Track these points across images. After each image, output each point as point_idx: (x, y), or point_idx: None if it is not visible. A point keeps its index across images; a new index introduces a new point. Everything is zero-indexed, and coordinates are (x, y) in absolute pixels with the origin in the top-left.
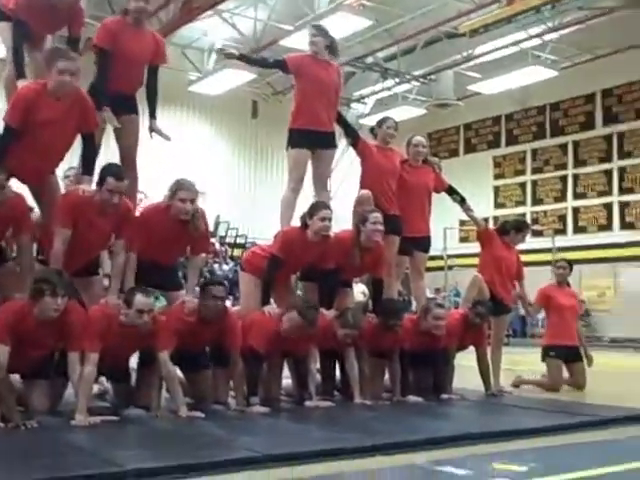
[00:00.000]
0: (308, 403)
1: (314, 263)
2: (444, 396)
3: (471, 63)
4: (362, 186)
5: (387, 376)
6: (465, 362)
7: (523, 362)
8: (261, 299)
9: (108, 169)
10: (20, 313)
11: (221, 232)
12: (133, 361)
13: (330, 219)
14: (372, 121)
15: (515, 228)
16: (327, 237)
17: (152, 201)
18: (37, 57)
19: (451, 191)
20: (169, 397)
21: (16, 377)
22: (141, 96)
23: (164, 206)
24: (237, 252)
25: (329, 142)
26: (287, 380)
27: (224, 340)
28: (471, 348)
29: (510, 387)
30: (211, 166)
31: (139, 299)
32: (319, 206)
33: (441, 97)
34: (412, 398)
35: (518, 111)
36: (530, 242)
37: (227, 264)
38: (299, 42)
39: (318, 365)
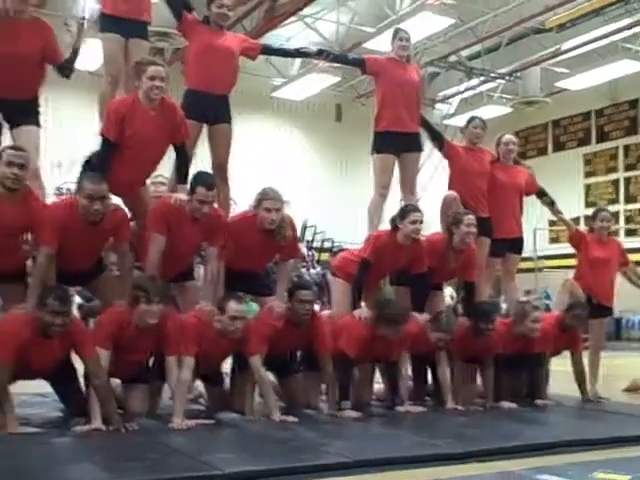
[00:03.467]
0: (400, 408)
1: (405, 267)
2: (539, 402)
3: (558, 59)
4: (450, 188)
5: (480, 381)
6: (559, 367)
7: (624, 367)
8: (352, 303)
9: (199, 178)
10: (120, 319)
11: (308, 236)
12: (226, 366)
13: (421, 222)
14: (457, 121)
15: (592, 217)
16: (418, 240)
17: (242, 208)
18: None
19: (541, 194)
20: (262, 401)
21: (116, 381)
22: (233, 102)
23: (251, 215)
24: (324, 256)
25: (414, 144)
26: (379, 385)
27: (314, 344)
28: (565, 353)
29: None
30: (297, 171)
31: (232, 306)
32: (409, 209)
33: (528, 94)
34: (506, 404)
35: (608, 106)
36: (624, 241)
37: (314, 268)
38: (382, 44)
39: (410, 370)
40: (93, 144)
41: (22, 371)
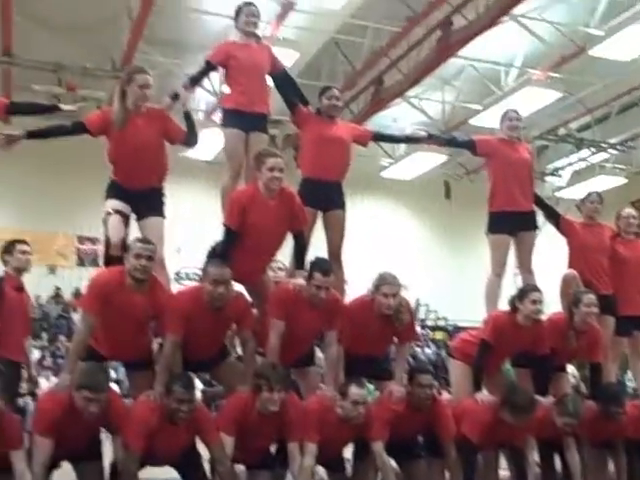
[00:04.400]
0: None
1: (526, 348)
2: None
3: None
4: (570, 265)
5: (612, 467)
6: None
7: None
8: (472, 386)
9: (316, 265)
10: (244, 406)
11: (421, 315)
12: (348, 451)
13: (541, 302)
14: (570, 194)
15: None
16: (539, 321)
17: (354, 289)
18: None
19: None
20: None
21: (240, 467)
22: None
23: (368, 300)
24: (438, 335)
25: (530, 223)
26: (504, 472)
27: (436, 429)
28: None
29: None
30: (407, 249)
31: (354, 391)
32: (528, 289)
33: None
34: None
35: None
36: None
37: (429, 347)
38: (489, 121)
39: (537, 456)
40: (211, 230)
41: (149, 457)
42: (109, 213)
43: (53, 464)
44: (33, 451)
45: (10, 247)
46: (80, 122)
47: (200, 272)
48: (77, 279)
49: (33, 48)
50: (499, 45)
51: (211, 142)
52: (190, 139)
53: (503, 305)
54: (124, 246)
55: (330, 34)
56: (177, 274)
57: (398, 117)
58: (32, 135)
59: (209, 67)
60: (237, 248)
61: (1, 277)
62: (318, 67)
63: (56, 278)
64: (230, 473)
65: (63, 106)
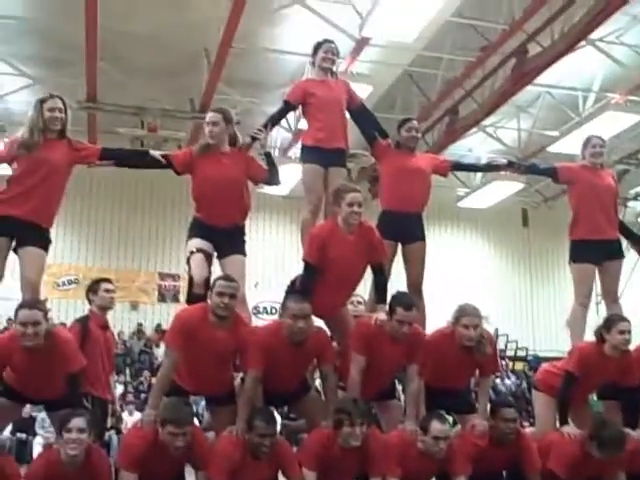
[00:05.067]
0: None
1: (614, 379)
2: None
3: None
4: None
5: None
6: None
7: None
8: (559, 419)
9: (397, 299)
10: (325, 441)
11: (500, 346)
12: None
13: (630, 331)
14: None
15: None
16: (627, 351)
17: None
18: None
19: None
20: None
21: None
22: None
23: (449, 332)
24: (518, 365)
25: (616, 251)
26: None
27: (521, 463)
28: None
29: None
30: (485, 278)
31: (435, 426)
32: (615, 318)
33: None
34: None
35: None
36: None
37: (509, 378)
38: (567, 147)
39: None
40: (288, 264)
41: None
42: (192, 252)
43: None
44: None
45: (95, 286)
46: (166, 156)
47: (278, 306)
48: (158, 315)
49: (116, 92)
50: (576, 70)
51: (287, 177)
52: (272, 178)
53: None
54: (207, 284)
55: (403, 67)
56: (255, 308)
57: (473, 147)
58: (110, 157)
59: (288, 107)
60: (317, 283)
61: (86, 316)
62: (392, 100)
63: (138, 314)
64: None
65: (153, 153)
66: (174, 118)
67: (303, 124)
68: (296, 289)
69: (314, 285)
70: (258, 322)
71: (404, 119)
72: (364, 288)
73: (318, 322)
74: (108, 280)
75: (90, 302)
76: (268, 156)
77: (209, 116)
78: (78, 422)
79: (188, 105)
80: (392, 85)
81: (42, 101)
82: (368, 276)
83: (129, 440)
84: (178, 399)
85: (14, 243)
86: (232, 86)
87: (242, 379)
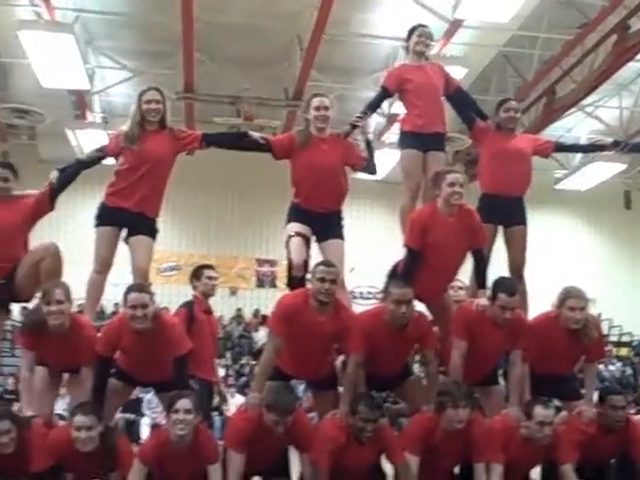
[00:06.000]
0: None
1: None
2: None
3: None
4: None
5: None
6: None
7: None
8: None
9: (501, 285)
10: (428, 425)
11: (604, 330)
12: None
13: None
14: None
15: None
16: None
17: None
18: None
19: None
20: None
21: None
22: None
23: (554, 315)
24: (623, 351)
25: None
26: None
27: (630, 452)
28: None
29: None
30: (586, 263)
31: (539, 411)
32: None
33: None
34: None
35: None
36: None
37: (613, 364)
38: None
39: None
40: (383, 249)
41: (336, 475)
42: (291, 235)
43: (245, 479)
44: (227, 466)
45: (198, 272)
46: (267, 140)
47: (374, 291)
48: (257, 300)
49: (212, 82)
50: None
51: (382, 162)
52: (370, 167)
53: None
54: (306, 267)
55: (498, 47)
56: (350, 293)
57: (572, 127)
58: (211, 141)
59: (385, 93)
60: (419, 267)
61: (191, 301)
62: (487, 82)
63: (237, 299)
64: None
65: (252, 133)
66: (269, 106)
67: (397, 109)
68: (398, 274)
69: (416, 270)
70: (354, 308)
71: (503, 100)
72: (465, 274)
73: (420, 307)
74: (211, 267)
75: (194, 288)
76: (368, 144)
77: (319, 100)
78: (185, 403)
79: (282, 93)
80: (487, 67)
81: (141, 94)
82: (469, 262)
83: (236, 422)
84: (282, 385)
85: (124, 233)
86: (325, 73)
87: (344, 363)
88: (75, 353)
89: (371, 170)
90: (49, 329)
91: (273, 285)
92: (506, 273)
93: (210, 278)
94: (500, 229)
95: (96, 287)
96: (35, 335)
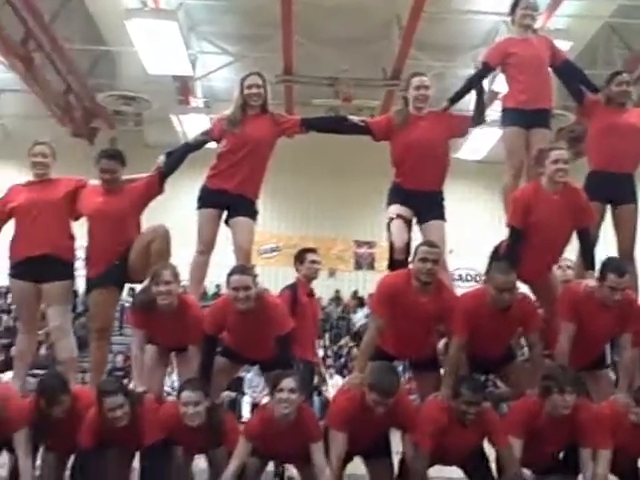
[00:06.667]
0: None
1: None
2: None
3: None
4: None
5: None
6: None
7: None
8: None
9: (610, 265)
10: (532, 409)
11: None
12: None
13: None
14: None
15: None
16: None
17: None
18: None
19: None
20: None
21: (527, 472)
22: None
23: None
24: None
25: None
26: None
27: None
28: None
29: None
30: None
31: None
32: None
33: None
34: None
35: None
36: None
37: None
38: None
39: None
40: (481, 230)
41: (438, 457)
42: (392, 218)
43: (346, 458)
44: (330, 444)
45: (302, 256)
46: (366, 123)
47: (473, 273)
48: (355, 282)
49: (310, 64)
50: None
51: (481, 142)
52: (479, 118)
53: None
54: (408, 250)
55: (604, 19)
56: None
57: None
58: (310, 125)
59: (486, 69)
60: (523, 246)
61: (294, 284)
62: (593, 54)
63: (335, 281)
64: (518, 476)
65: (352, 117)
66: (367, 87)
67: (498, 86)
68: (501, 255)
69: (520, 250)
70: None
71: (614, 72)
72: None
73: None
74: (314, 251)
75: (297, 271)
76: (480, 93)
77: (419, 80)
78: (289, 382)
79: (380, 73)
80: (592, 39)
81: (243, 79)
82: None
83: (338, 402)
84: (385, 365)
85: (224, 215)
86: (424, 51)
87: (446, 345)
88: (183, 332)
89: (480, 120)
90: (158, 309)
91: (371, 267)
92: (614, 254)
93: (313, 262)
94: (608, 208)
95: (200, 268)
96: (145, 315)
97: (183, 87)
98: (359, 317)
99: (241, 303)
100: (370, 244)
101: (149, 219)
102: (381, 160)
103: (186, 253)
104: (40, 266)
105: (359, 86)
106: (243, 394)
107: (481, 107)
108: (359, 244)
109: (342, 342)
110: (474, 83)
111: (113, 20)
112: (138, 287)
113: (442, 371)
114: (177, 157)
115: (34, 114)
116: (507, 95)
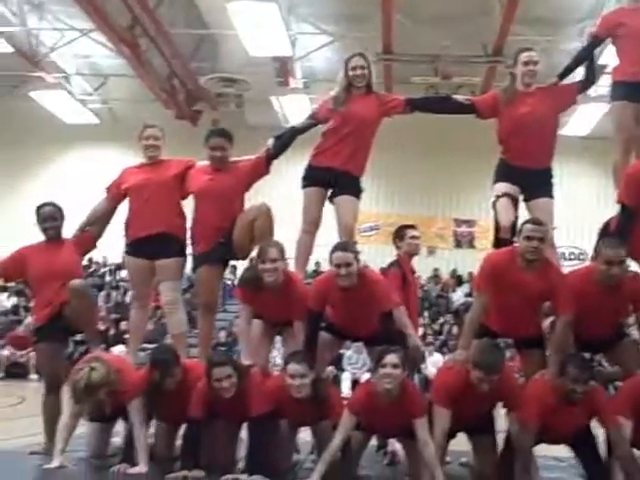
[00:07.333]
0: None
1: None
2: None
3: None
4: None
5: None
6: None
7: None
8: None
9: None
10: None
11: None
12: None
13: None
14: None
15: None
16: None
17: None
18: None
19: None
20: None
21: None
22: None
23: None
24: None
25: None
26: None
27: None
28: None
29: None
30: None
31: None
32: None
33: None
34: None
35: None
36: None
37: None
38: None
39: None
40: (586, 207)
41: (544, 435)
42: (498, 196)
43: (450, 434)
44: (434, 420)
45: (402, 232)
46: (471, 102)
47: (575, 252)
48: (454, 261)
49: (410, 42)
50: None
51: (586, 117)
52: (590, 80)
53: None
54: (514, 229)
55: None
56: None
57: None
58: (415, 105)
59: (595, 41)
60: (633, 225)
61: (397, 261)
62: None
63: (434, 259)
64: (628, 457)
65: (456, 97)
66: (467, 64)
67: (604, 59)
68: (611, 232)
69: (631, 228)
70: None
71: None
72: None
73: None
74: (413, 227)
75: (397, 248)
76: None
77: (527, 55)
78: (392, 358)
79: (481, 50)
80: None
81: (347, 61)
82: None
83: (443, 378)
84: (490, 343)
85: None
86: (526, 25)
87: (552, 324)
88: (288, 307)
89: (591, 80)
90: (264, 285)
91: (471, 246)
92: None
93: (413, 237)
94: None
95: (305, 246)
96: (251, 291)
97: (283, 68)
98: (458, 296)
99: (343, 280)
100: (470, 222)
101: (253, 197)
102: (480, 138)
103: (288, 231)
104: (155, 244)
105: (459, 63)
106: (343, 371)
107: (592, 68)
108: (458, 222)
109: (441, 320)
110: (583, 57)
111: (215, 3)
112: (239, 264)
113: (547, 352)
114: (285, 140)
115: (140, 98)
116: (616, 68)
